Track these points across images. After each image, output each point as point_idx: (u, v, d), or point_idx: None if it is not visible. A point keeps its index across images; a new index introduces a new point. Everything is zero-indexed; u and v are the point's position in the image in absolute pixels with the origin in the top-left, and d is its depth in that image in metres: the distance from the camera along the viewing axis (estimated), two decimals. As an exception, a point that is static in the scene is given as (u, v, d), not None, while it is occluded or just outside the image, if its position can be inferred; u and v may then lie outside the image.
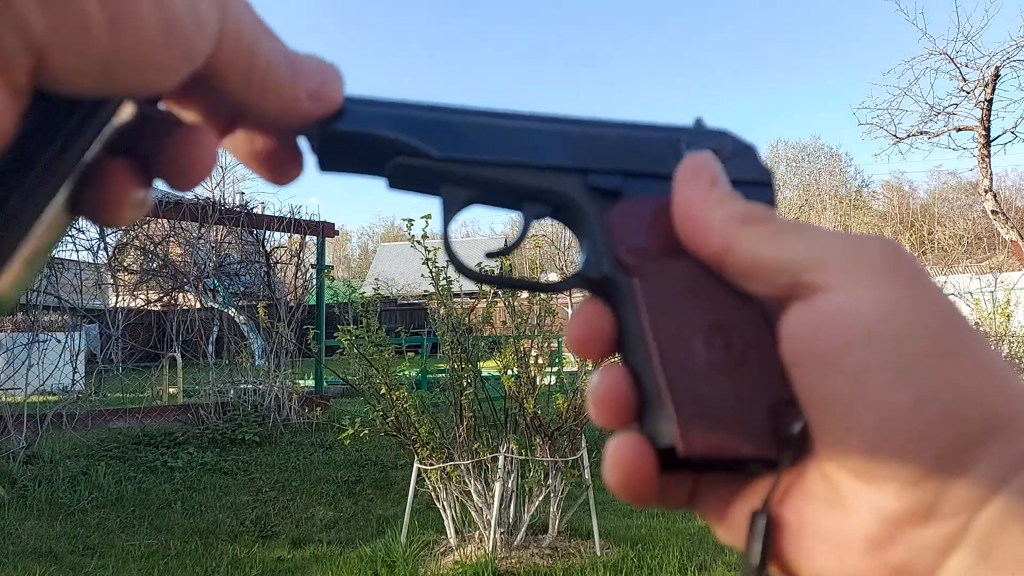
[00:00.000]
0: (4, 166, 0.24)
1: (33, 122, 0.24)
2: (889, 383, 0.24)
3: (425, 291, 5.03)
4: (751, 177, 0.34)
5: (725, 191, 0.30)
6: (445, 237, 0.34)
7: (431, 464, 4.06)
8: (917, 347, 0.25)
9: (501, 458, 3.87)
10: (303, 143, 0.33)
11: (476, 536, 4.03)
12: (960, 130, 12.07)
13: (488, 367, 4.44)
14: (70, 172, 0.25)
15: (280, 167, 0.32)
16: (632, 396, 0.30)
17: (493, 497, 3.89)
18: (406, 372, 4.90)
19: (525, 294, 5.09)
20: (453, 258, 0.34)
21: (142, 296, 10.86)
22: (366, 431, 4.31)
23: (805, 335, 0.26)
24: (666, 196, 0.31)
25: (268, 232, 9.79)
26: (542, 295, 4.90)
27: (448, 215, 0.33)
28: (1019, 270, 15.42)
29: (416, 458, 4.18)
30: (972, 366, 0.25)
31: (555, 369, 4.63)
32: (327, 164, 0.32)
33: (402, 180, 0.33)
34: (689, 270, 0.30)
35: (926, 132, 12.41)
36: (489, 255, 0.37)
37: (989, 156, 11.64)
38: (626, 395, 0.30)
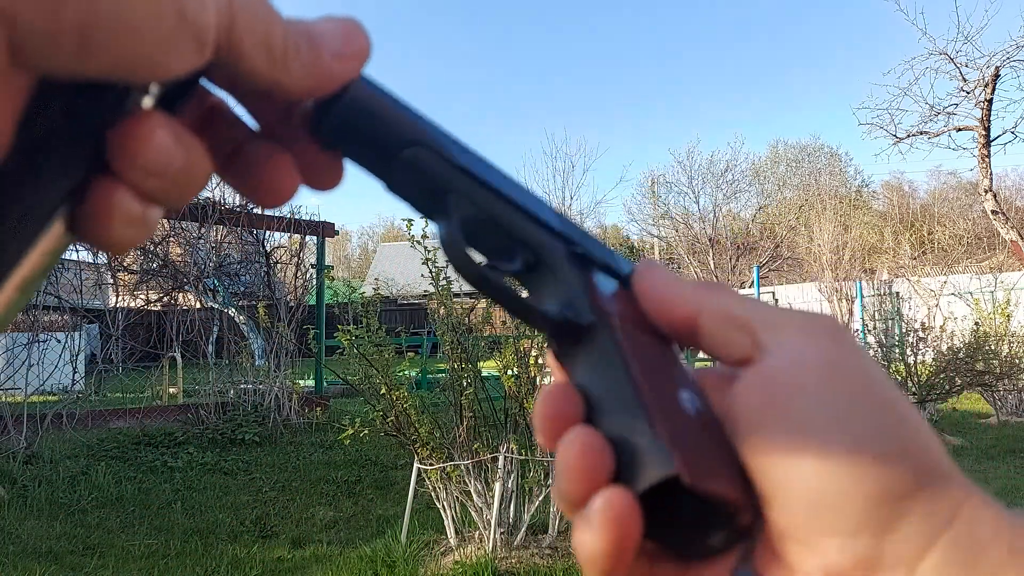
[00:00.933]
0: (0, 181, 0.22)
1: (26, 137, 0.22)
2: (826, 431, 0.26)
3: (425, 291, 5.03)
4: None
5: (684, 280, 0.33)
6: (452, 240, 0.32)
7: (431, 464, 4.06)
8: (850, 401, 0.27)
9: (501, 458, 3.87)
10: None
11: (476, 536, 4.03)
12: (960, 130, 12.08)
13: (488, 367, 4.44)
14: (67, 189, 0.24)
15: (321, 170, 0.31)
16: (609, 454, 0.29)
17: (493, 497, 3.89)
18: (406, 372, 4.90)
19: (524, 293, 5.08)
20: (463, 259, 0.32)
21: (142, 296, 10.86)
22: (366, 431, 4.31)
23: (754, 391, 0.28)
24: (623, 287, 0.34)
25: (268, 232, 9.79)
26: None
27: (461, 220, 0.32)
28: (1019, 270, 15.41)
29: (416, 458, 4.18)
30: (899, 421, 0.27)
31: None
32: (332, 135, 0.30)
33: (407, 179, 0.31)
34: (657, 348, 0.32)
35: (926, 132, 12.41)
36: (490, 266, 0.35)
37: (989, 156, 11.64)
38: (603, 452, 0.29)
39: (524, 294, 0.35)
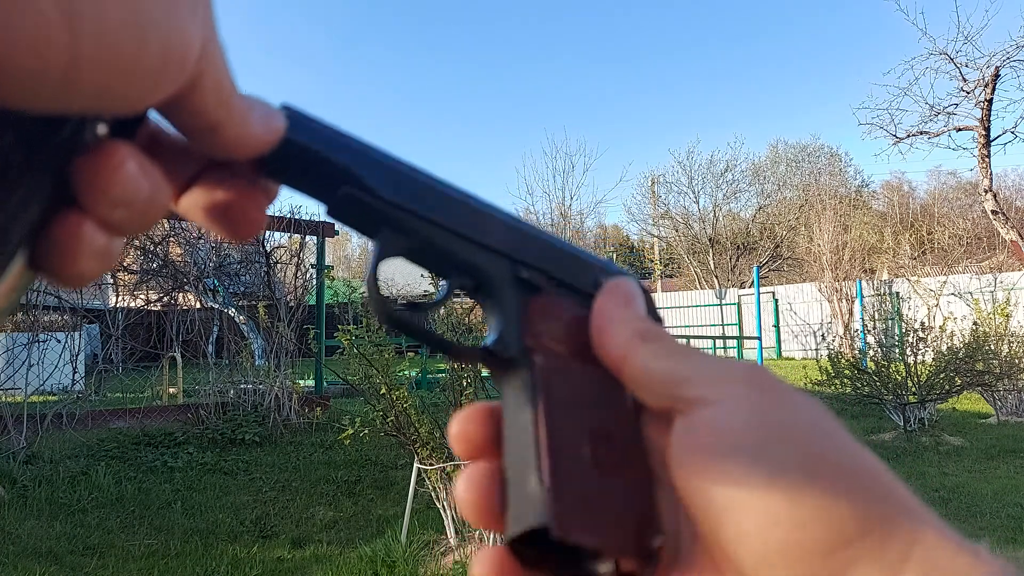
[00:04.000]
0: None
1: None
2: (765, 487, 0.26)
3: (425, 291, 5.03)
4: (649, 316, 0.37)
5: (637, 311, 0.33)
6: (372, 279, 0.33)
7: (431, 464, 4.06)
8: (784, 452, 0.26)
9: (501, 458, 3.87)
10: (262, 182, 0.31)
11: (476, 536, 4.03)
12: (960, 130, 12.08)
13: (488, 367, 4.44)
14: (29, 225, 0.23)
15: (244, 219, 0.31)
16: (495, 495, 0.30)
17: (493, 497, 3.89)
18: (406, 372, 4.90)
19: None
20: (378, 301, 0.32)
21: (142, 296, 10.86)
22: (366, 431, 4.31)
23: (687, 449, 0.28)
24: (580, 308, 0.34)
25: (268, 232, 9.79)
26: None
27: (379, 258, 0.33)
28: (1019, 270, 15.42)
29: (416, 458, 4.18)
30: (837, 462, 0.26)
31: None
32: (271, 171, 0.31)
33: (344, 212, 0.32)
34: (587, 376, 0.32)
35: (926, 132, 12.42)
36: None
37: (989, 156, 11.64)
38: (490, 494, 0.30)
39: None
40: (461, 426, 0.33)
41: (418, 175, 0.33)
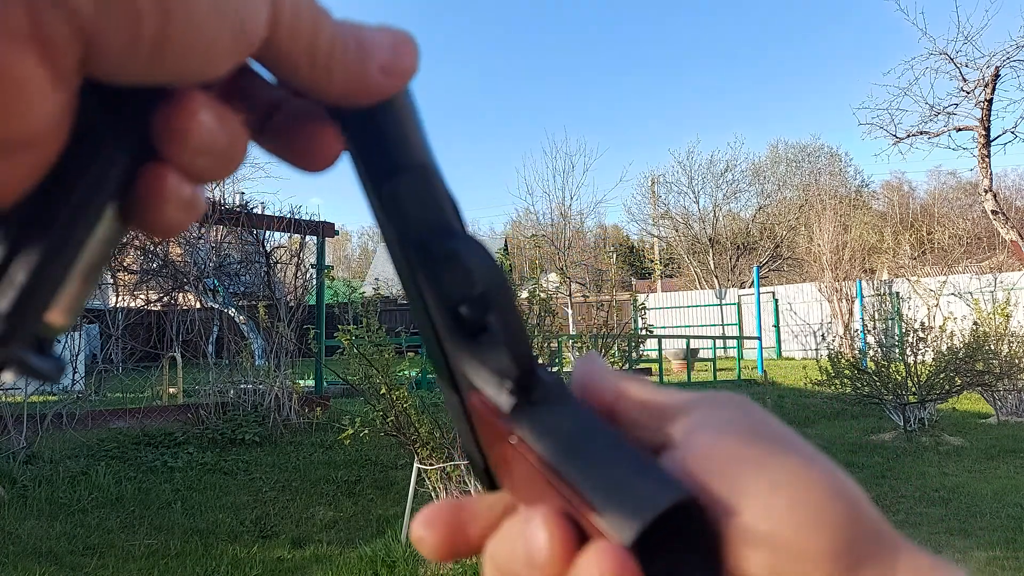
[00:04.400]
0: (53, 177, 0.23)
1: (79, 126, 0.23)
2: (766, 491, 0.26)
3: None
4: None
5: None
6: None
7: (431, 464, 4.06)
8: (781, 462, 0.26)
9: (501, 458, 3.88)
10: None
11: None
12: (960, 130, 12.09)
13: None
14: (119, 178, 0.25)
15: (319, 151, 0.30)
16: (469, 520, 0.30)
17: (493, 497, 3.89)
18: (406, 372, 4.90)
19: (525, 293, 5.09)
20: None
21: (142, 296, 10.85)
22: (366, 431, 4.31)
23: (686, 461, 0.28)
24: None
25: (268, 232, 9.80)
26: (541, 295, 4.90)
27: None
28: (1019, 270, 15.42)
29: (416, 458, 4.18)
30: (827, 481, 0.26)
31: (555, 369, 4.63)
32: (346, 130, 0.29)
33: (412, 193, 0.30)
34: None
35: (926, 132, 12.43)
36: None
37: (989, 156, 11.64)
38: (459, 523, 0.30)
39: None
40: (421, 531, 0.31)
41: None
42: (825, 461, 0.27)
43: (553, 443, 0.28)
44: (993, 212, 11.54)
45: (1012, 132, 11.76)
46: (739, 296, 21.69)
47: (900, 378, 7.93)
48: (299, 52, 0.25)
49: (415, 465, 4.21)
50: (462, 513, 0.31)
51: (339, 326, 4.42)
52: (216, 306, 10.11)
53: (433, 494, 4.17)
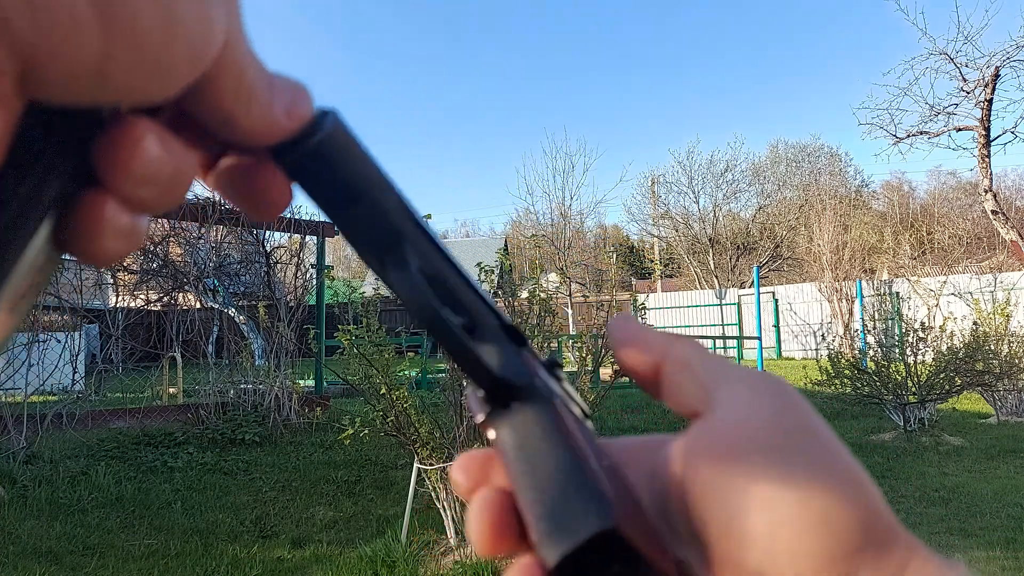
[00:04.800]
0: None
1: (15, 147, 0.22)
2: (778, 487, 0.26)
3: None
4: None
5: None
6: (419, 275, 0.32)
7: (431, 464, 4.06)
8: (798, 457, 0.27)
9: (501, 458, 3.88)
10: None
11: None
12: (960, 130, 12.08)
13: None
14: (53, 203, 0.23)
15: (267, 199, 0.30)
16: (513, 518, 0.29)
17: (493, 497, 3.89)
18: (406, 372, 4.90)
19: (525, 293, 5.09)
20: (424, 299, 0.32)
21: (142, 296, 10.86)
22: (366, 431, 4.31)
23: (701, 447, 0.28)
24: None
25: (268, 232, 9.80)
26: (542, 295, 4.90)
27: (416, 260, 0.33)
28: (1019, 270, 15.42)
29: (416, 458, 4.18)
30: (844, 478, 0.27)
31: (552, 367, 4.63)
32: (293, 172, 0.30)
33: (359, 226, 0.31)
34: (575, 422, 0.32)
35: (926, 132, 12.42)
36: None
37: (989, 156, 11.64)
38: (511, 515, 0.29)
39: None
40: (464, 462, 0.33)
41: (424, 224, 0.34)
42: (843, 462, 0.27)
43: (514, 452, 0.30)
44: (993, 212, 11.53)
45: (1012, 132, 11.76)
46: (739, 296, 21.69)
47: (900, 378, 7.93)
48: (227, 82, 0.25)
49: (415, 465, 4.21)
50: (493, 463, 0.33)
51: (339, 326, 4.42)
52: (216, 306, 10.11)
53: (433, 494, 4.17)
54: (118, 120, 0.24)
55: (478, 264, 5.18)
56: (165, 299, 10.40)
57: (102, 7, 0.20)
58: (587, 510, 0.26)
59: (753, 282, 21.00)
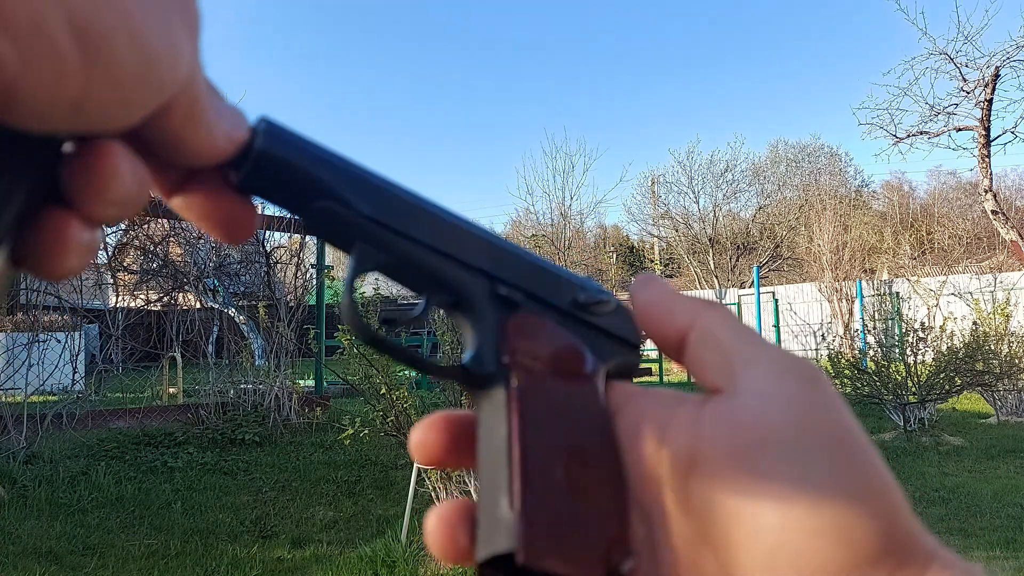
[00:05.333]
0: None
1: None
2: (790, 485, 0.25)
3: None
4: (625, 336, 0.36)
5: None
6: (348, 294, 0.32)
7: (431, 464, 4.05)
8: (818, 454, 0.26)
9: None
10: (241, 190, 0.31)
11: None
12: (960, 130, 12.08)
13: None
14: (13, 220, 0.24)
15: (233, 223, 0.31)
16: (466, 532, 0.30)
17: (493, 497, 3.89)
18: (406, 372, 4.90)
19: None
20: (354, 318, 0.32)
21: (142, 296, 10.86)
22: (366, 431, 4.31)
23: (720, 431, 0.27)
24: (558, 325, 0.34)
25: (268, 232, 9.79)
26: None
27: (355, 273, 0.33)
28: (1019, 270, 15.42)
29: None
30: (869, 479, 0.26)
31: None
32: (245, 182, 0.30)
33: (319, 225, 0.32)
34: (565, 394, 0.32)
35: (926, 132, 12.42)
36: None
37: (989, 156, 11.64)
38: (461, 530, 0.30)
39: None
40: (421, 434, 0.33)
41: (396, 190, 0.33)
42: (867, 466, 0.26)
43: (479, 440, 0.32)
44: (993, 212, 11.53)
45: (1012, 132, 11.75)
46: (739, 296, 21.69)
47: (900, 378, 7.93)
48: (182, 108, 0.25)
49: (415, 465, 4.21)
50: (459, 425, 0.33)
51: (339, 326, 4.42)
52: (216, 306, 10.11)
53: (433, 494, 4.17)
54: (90, 144, 0.25)
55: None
56: (165, 299, 10.40)
57: (85, 44, 0.20)
58: (501, 526, 0.28)
59: (753, 282, 21.00)
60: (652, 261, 32.41)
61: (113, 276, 9.61)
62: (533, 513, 0.28)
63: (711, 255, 30.30)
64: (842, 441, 0.27)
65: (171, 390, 8.99)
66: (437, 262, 0.33)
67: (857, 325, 16.38)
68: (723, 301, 21.86)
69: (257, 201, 0.32)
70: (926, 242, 26.92)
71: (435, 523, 0.31)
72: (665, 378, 13.60)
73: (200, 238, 9.79)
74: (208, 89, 0.27)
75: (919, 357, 8.04)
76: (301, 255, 9.92)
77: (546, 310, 0.34)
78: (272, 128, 0.31)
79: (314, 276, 9.83)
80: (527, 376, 0.31)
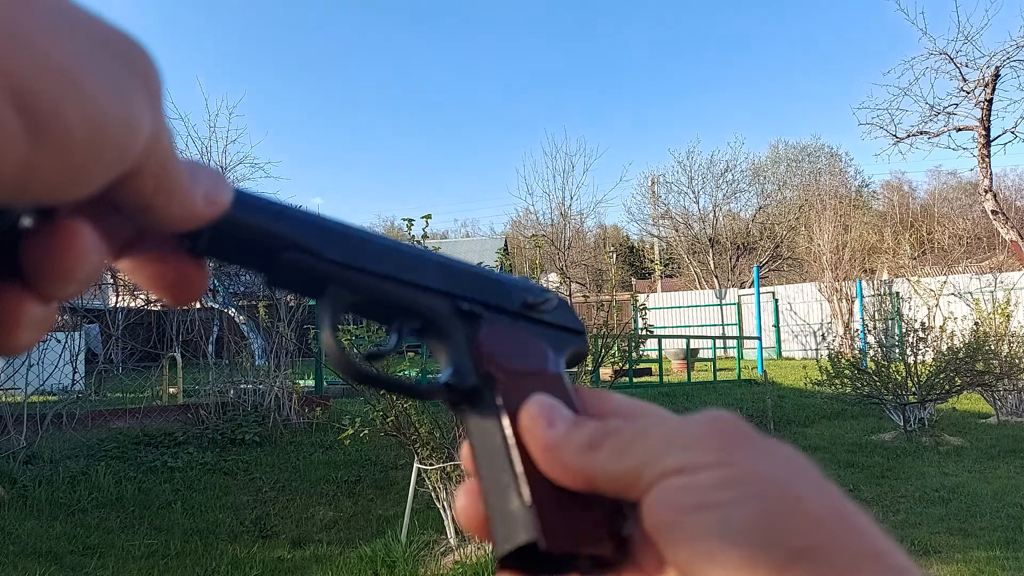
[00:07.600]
0: None
1: None
2: (721, 552, 0.25)
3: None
4: (572, 325, 0.40)
5: (564, 425, 0.32)
6: (332, 337, 0.34)
7: (431, 464, 4.06)
8: (748, 510, 0.26)
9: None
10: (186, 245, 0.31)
11: (476, 537, 4.03)
12: (960, 130, 12.08)
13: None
14: None
15: (182, 285, 0.31)
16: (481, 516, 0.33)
17: (493, 497, 3.89)
18: (406, 372, 4.90)
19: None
20: (342, 359, 0.34)
21: (142, 296, 10.86)
22: (366, 431, 4.31)
23: (656, 513, 0.28)
24: (516, 326, 0.37)
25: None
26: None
27: (333, 316, 0.35)
28: (1019, 270, 15.42)
29: (416, 458, 4.18)
30: (800, 534, 0.25)
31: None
32: (210, 249, 0.31)
33: (288, 277, 0.33)
34: (542, 389, 0.34)
35: (926, 132, 12.41)
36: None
37: (989, 156, 11.64)
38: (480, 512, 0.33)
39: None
40: (463, 500, 0.34)
41: (355, 233, 0.35)
42: (799, 507, 0.26)
43: (473, 451, 0.33)
44: (993, 212, 11.53)
45: (1012, 132, 11.75)
46: (739, 296, 21.69)
47: (900, 378, 7.92)
48: (149, 174, 0.25)
49: (415, 465, 4.21)
50: None
51: (339, 326, 4.42)
52: (216, 306, 10.11)
53: (433, 494, 4.17)
54: (54, 223, 0.24)
55: (478, 264, 5.18)
56: (165, 299, 10.40)
57: (30, 118, 0.20)
58: (517, 520, 0.30)
59: (753, 282, 21.00)
60: (652, 261, 32.41)
61: (113, 276, 9.60)
62: (544, 503, 0.30)
63: (711, 255, 30.29)
64: (774, 486, 0.27)
65: (171, 390, 8.99)
66: (403, 292, 0.35)
67: (857, 325, 16.38)
68: (723, 301, 21.88)
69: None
70: (926, 242, 26.92)
71: (464, 498, 0.33)
72: (665, 378, 13.60)
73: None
74: (176, 153, 0.26)
75: (919, 357, 8.04)
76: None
77: (504, 316, 0.37)
78: (236, 193, 0.31)
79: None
80: (507, 380, 0.34)
